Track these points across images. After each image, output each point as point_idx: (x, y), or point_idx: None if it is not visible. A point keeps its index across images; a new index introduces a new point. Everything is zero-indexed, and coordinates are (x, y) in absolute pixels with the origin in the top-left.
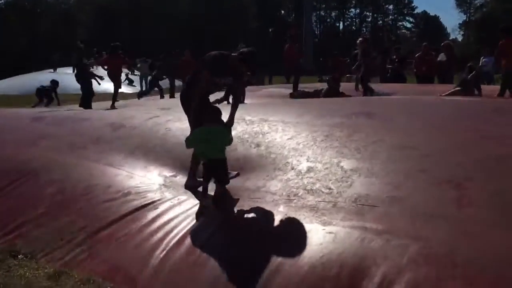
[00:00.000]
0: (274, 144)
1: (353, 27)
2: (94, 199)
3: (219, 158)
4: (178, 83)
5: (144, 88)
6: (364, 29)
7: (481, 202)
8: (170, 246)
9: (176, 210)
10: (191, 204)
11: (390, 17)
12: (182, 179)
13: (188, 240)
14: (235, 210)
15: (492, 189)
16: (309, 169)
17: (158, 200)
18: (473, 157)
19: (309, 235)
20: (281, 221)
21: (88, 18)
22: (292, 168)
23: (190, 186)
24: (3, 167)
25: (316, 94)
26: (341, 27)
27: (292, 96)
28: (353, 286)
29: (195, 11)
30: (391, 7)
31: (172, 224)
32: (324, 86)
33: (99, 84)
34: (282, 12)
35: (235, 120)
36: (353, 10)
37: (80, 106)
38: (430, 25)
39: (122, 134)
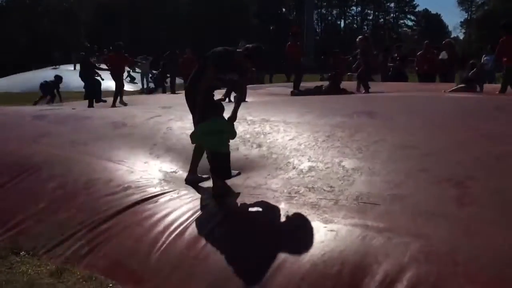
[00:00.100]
0: (276, 145)
1: (355, 25)
2: (95, 193)
3: (223, 152)
4: (178, 80)
5: (145, 86)
6: (366, 27)
7: (482, 201)
8: (170, 240)
9: (176, 204)
10: (192, 198)
11: (392, 15)
12: (182, 175)
13: (188, 235)
14: (236, 205)
15: (493, 188)
16: (311, 169)
17: (158, 194)
18: (473, 155)
19: (310, 232)
20: (282, 218)
21: (88, 17)
22: (294, 168)
23: (191, 181)
24: (5, 162)
25: (317, 90)
26: (342, 25)
27: (293, 94)
28: (355, 284)
29: (195, 9)
30: (392, 5)
31: (172, 218)
32: (325, 83)
33: (102, 79)
34: (283, 10)
35: (236, 120)
36: (354, 8)
37: (85, 99)
38: (432, 23)
39: (123, 132)
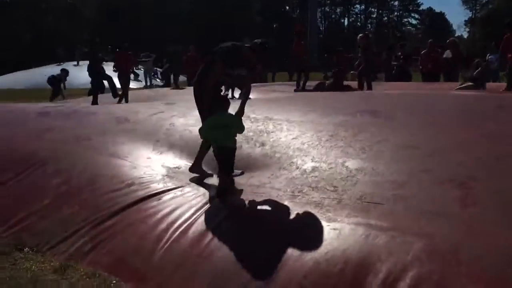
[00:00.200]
0: (279, 144)
1: (358, 23)
2: (99, 189)
3: (229, 146)
4: (182, 78)
5: (149, 83)
6: (369, 25)
7: (484, 201)
8: (174, 238)
9: (180, 201)
10: (195, 195)
11: (395, 13)
12: (185, 170)
13: (192, 233)
14: (240, 203)
15: (495, 188)
16: (314, 169)
17: (162, 191)
18: (476, 155)
19: (313, 231)
20: (285, 216)
21: (92, 13)
22: (297, 168)
23: (194, 171)
24: (10, 158)
25: (320, 87)
26: (346, 23)
27: (296, 90)
28: (358, 282)
29: (197, 7)
30: (396, 3)
31: (175, 215)
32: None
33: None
34: (287, 8)
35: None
36: (358, 6)
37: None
38: (436, 22)
39: (127, 128)
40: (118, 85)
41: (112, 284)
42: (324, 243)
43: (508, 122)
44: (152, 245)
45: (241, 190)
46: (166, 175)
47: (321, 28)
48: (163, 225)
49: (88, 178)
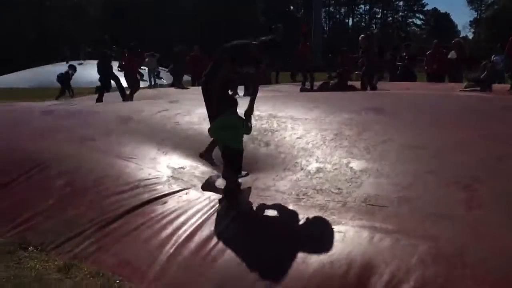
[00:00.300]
0: (284, 143)
1: (363, 24)
2: (104, 191)
3: (238, 148)
4: (186, 78)
5: (153, 82)
6: (374, 25)
7: (489, 203)
8: (179, 241)
9: (185, 204)
10: (200, 198)
11: (400, 13)
12: (190, 170)
13: (197, 236)
14: (245, 206)
15: (500, 190)
16: (318, 170)
17: (167, 193)
18: (481, 156)
19: (318, 233)
20: (290, 219)
21: (97, 12)
22: (302, 169)
23: (204, 158)
24: (14, 158)
25: (324, 87)
26: (350, 23)
27: (302, 90)
28: (362, 285)
29: (201, 3)
30: (401, 3)
31: (181, 219)
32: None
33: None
34: (291, 8)
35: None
36: (362, 6)
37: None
38: (441, 22)
39: (131, 127)
40: (125, 84)
41: (116, 284)
42: (329, 246)
43: None
44: (157, 248)
45: (247, 192)
46: (171, 176)
47: (325, 28)
48: (169, 229)
49: (94, 179)
